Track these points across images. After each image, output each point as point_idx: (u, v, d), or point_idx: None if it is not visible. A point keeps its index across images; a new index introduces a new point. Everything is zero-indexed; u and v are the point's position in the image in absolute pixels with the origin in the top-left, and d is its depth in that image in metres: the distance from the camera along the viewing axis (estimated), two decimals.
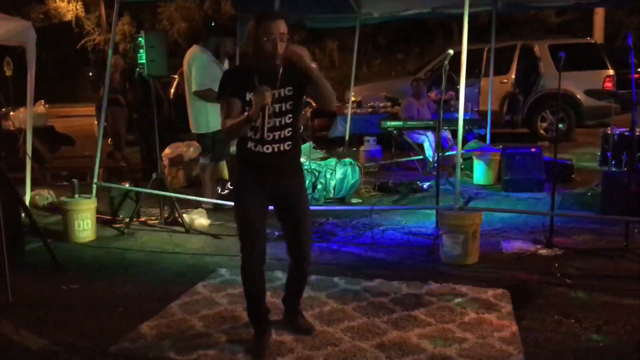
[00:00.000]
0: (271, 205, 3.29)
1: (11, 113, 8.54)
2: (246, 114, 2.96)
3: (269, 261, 4.58)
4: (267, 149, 3.13)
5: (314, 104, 11.92)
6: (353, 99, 10.74)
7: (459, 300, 3.88)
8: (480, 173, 7.64)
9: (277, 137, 3.13)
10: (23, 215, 5.03)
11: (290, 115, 3.14)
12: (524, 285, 4.15)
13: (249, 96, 3.03)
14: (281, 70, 3.08)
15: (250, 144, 3.15)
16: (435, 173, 5.75)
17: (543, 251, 4.84)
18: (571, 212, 6.06)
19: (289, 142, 3.17)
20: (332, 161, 6.98)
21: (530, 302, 3.86)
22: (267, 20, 2.99)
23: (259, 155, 3.15)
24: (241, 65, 3.29)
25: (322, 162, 6.98)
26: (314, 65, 2.96)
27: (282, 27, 2.99)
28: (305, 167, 6.62)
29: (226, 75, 3.25)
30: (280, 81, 3.08)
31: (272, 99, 2.96)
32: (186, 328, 3.58)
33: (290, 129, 3.16)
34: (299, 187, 3.30)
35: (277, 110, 3.08)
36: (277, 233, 5.34)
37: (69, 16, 31.84)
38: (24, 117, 7.40)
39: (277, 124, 3.10)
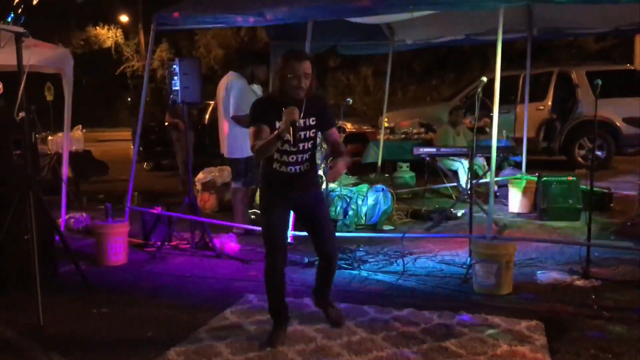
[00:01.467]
0: (295, 213, 3.92)
1: (49, 137, 8.74)
2: (276, 131, 3.31)
3: (298, 287, 4.61)
4: (290, 169, 3.57)
5: (347, 129, 11.95)
6: (386, 124, 10.71)
7: (491, 331, 3.78)
8: (516, 201, 7.51)
9: (298, 159, 3.57)
10: (57, 238, 5.09)
11: (312, 142, 3.58)
12: (558, 317, 4.03)
13: (278, 124, 3.37)
14: (305, 102, 3.48)
15: (275, 165, 3.58)
16: (469, 200, 5.67)
17: (579, 282, 4.70)
18: (609, 242, 5.90)
19: (308, 163, 3.62)
20: (364, 187, 6.94)
21: (565, 335, 3.74)
22: (293, 61, 3.40)
23: (283, 175, 3.59)
24: (270, 96, 3.62)
25: (354, 188, 6.94)
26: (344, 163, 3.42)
27: (306, 67, 3.41)
28: (337, 193, 6.60)
29: (257, 103, 3.63)
30: (304, 111, 3.48)
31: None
32: (213, 354, 3.55)
33: (310, 153, 3.61)
34: (318, 197, 3.75)
35: (302, 137, 3.48)
36: (307, 259, 5.32)
37: (109, 43, 32.72)
38: (61, 141, 7.55)
39: (300, 148, 3.53)
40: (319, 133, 3.64)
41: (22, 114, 4.29)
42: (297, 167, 3.58)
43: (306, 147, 3.56)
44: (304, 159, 3.58)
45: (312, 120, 3.54)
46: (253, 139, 3.45)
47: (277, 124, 3.37)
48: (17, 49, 4.29)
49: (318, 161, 6.61)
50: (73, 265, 4.91)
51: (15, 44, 4.28)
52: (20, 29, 4.23)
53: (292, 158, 3.54)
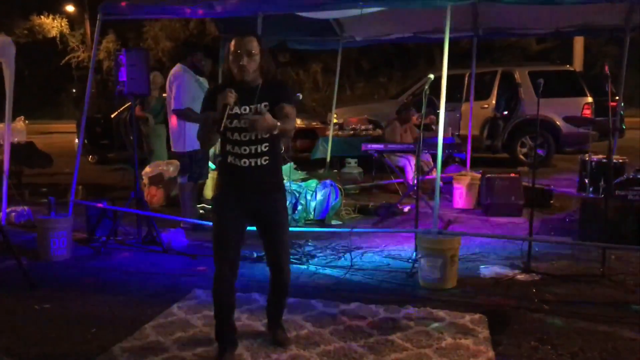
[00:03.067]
0: (251, 220, 3.38)
1: None
2: (212, 119, 3.12)
3: (246, 281, 4.59)
4: (245, 162, 3.24)
5: (297, 125, 11.93)
6: (335, 121, 10.77)
7: (436, 325, 3.86)
8: (460, 197, 7.67)
9: (253, 151, 3.24)
10: None
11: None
12: (501, 310, 4.15)
13: (232, 108, 3.16)
14: (259, 87, 3.26)
15: (230, 158, 3.28)
16: (415, 196, 5.76)
17: (521, 276, 4.84)
18: (549, 237, 6.09)
19: (266, 157, 3.26)
20: (313, 182, 6.98)
21: (507, 327, 3.85)
22: (236, 39, 3.21)
23: (237, 169, 3.26)
24: (222, 84, 3.40)
25: (303, 183, 6.97)
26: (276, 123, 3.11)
27: (249, 44, 3.18)
28: (286, 188, 6.60)
29: (208, 92, 3.42)
30: (257, 97, 3.24)
31: (248, 112, 3.19)
32: (160, 350, 3.52)
33: (267, 144, 3.26)
34: (279, 204, 3.39)
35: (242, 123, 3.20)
36: (255, 254, 5.31)
37: (54, 32, 31.78)
38: (1, 133, 7.32)
39: (254, 138, 3.22)
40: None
41: None
42: (252, 160, 3.23)
43: (260, 137, 3.21)
44: (259, 150, 3.23)
45: (265, 106, 3.22)
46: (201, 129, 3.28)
47: (231, 109, 3.16)
48: None
49: None
50: (14, 261, 4.77)
51: None
52: None
53: (245, 149, 3.22)
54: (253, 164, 3.25)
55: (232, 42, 3.22)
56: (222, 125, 3.07)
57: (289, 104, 3.27)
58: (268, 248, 3.43)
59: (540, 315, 4.05)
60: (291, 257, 5.25)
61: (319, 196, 6.74)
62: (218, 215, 3.33)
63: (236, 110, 3.21)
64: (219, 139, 3.31)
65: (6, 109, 6.46)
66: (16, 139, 8.52)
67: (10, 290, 4.61)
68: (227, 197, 3.32)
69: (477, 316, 3.99)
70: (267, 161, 3.27)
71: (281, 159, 3.44)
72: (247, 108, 3.21)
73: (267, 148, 3.26)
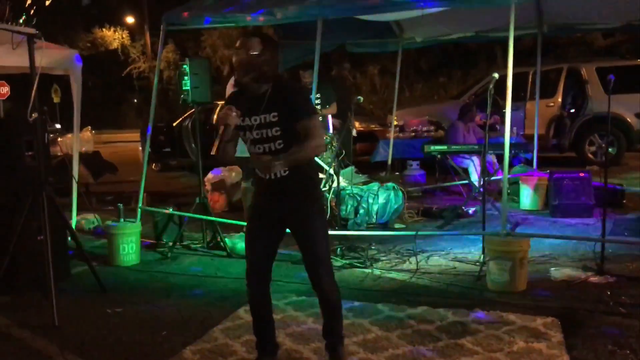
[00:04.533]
0: (285, 228, 3.21)
1: (59, 139, 8.77)
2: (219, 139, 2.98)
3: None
4: (266, 175, 3.06)
5: (356, 128, 11.93)
6: (395, 123, 10.69)
7: (506, 328, 3.76)
8: (527, 198, 7.48)
9: None
10: (69, 239, 5.10)
11: (280, 142, 3.02)
12: (574, 314, 4.00)
13: (242, 119, 3.05)
14: (267, 95, 3.02)
15: (255, 169, 3.14)
16: (480, 198, 5.64)
17: (594, 279, 4.67)
18: (623, 238, 5.85)
19: (285, 169, 3.01)
20: (375, 185, 6.92)
21: (582, 331, 3.71)
22: (241, 38, 3.03)
23: (262, 181, 3.12)
24: (234, 92, 3.25)
25: (364, 187, 6.91)
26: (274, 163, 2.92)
27: (249, 43, 2.96)
28: (347, 192, 6.57)
29: (227, 98, 3.34)
30: (264, 107, 3.02)
31: (258, 123, 3.01)
32: (228, 353, 3.55)
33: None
34: (303, 211, 3.10)
35: (263, 136, 3.04)
36: None
37: (115, 44, 32.75)
38: (71, 143, 7.57)
39: (267, 150, 3.05)
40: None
41: (35, 115, 4.31)
42: (272, 173, 3.02)
43: (273, 149, 3.02)
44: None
45: (273, 117, 2.99)
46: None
47: (243, 120, 3.04)
48: (29, 50, 4.31)
49: (328, 159, 6.63)
50: (86, 266, 4.91)
51: (27, 45, 4.30)
52: (33, 31, 4.24)
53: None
54: (273, 176, 3.04)
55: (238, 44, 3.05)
56: (215, 148, 2.95)
57: (307, 117, 2.98)
58: (304, 262, 3.16)
59: (616, 318, 3.89)
60: (355, 261, 5.28)
61: (381, 199, 6.68)
62: (247, 227, 3.28)
63: (247, 121, 3.05)
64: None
65: (74, 119, 6.67)
66: (84, 149, 8.79)
67: (83, 294, 4.76)
68: (257, 208, 3.22)
69: (549, 319, 3.86)
70: (286, 172, 3.02)
71: (307, 167, 3.14)
72: (257, 119, 3.02)
73: None
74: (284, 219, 3.15)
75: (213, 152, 2.96)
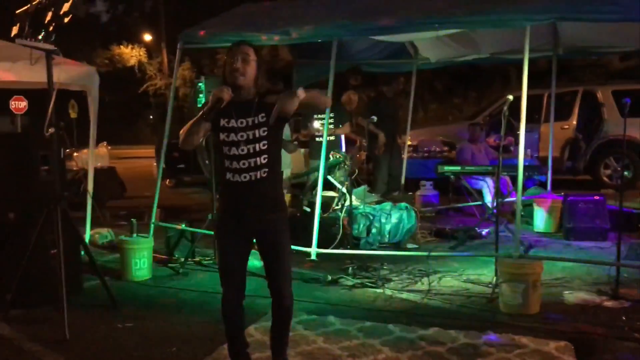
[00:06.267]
0: (252, 241, 3.30)
1: (75, 154, 8.85)
2: (204, 110, 3.09)
3: (321, 305, 4.58)
4: (244, 177, 3.11)
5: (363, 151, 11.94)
6: (409, 143, 10.68)
7: (519, 351, 3.72)
8: (541, 220, 7.43)
9: (252, 165, 3.12)
10: (82, 253, 5.13)
11: (265, 142, 3.12)
12: (588, 338, 3.95)
13: (222, 122, 3.14)
14: (256, 100, 3.15)
15: (228, 175, 3.16)
16: (494, 219, 5.61)
17: (609, 303, 4.61)
18: (639, 262, 5.78)
19: (265, 170, 3.13)
20: (387, 205, 6.89)
21: (596, 357, 3.67)
22: (232, 47, 3.19)
23: (236, 185, 3.14)
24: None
25: (377, 206, 6.89)
26: (299, 93, 3.04)
27: (245, 49, 3.15)
28: (360, 211, 6.56)
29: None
30: (254, 110, 3.13)
31: (245, 125, 3.10)
32: None
33: (265, 156, 3.13)
34: (278, 224, 3.21)
35: (250, 137, 3.11)
36: (330, 277, 5.30)
37: (133, 61, 33.15)
38: (87, 158, 7.64)
39: (252, 151, 3.11)
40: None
41: (51, 130, 4.35)
42: (251, 174, 3.11)
43: (258, 149, 3.11)
44: (258, 163, 3.11)
45: (262, 117, 3.11)
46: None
47: (222, 122, 3.13)
48: (47, 66, 4.37)
49: (340, 179, 6.63)
50: (98, 280, 4.93)
51: (45, 61, 4.36)
52: (52, 47, 4.30)
53: (244, 163, 3.10)
54: (253, 177, 3.11)
55: (229, 51, 3.19)
56: (208, 114, 3.07)
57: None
58: (268, 270, 3.28)
59: (631, 344, 3.84)
60: (367, 280, 5.26)
61: (394, 219, 6.65)
62: (220, 242, 3.33)
63: (233, 123, 3.13)
64: (215, 158, 3.24)
65: (90, 135, 6.74)
66: (99, 164, 8.86)
67: (95, 308, 4.77)
68: (227, 221, 3.23)
69: (562, 344, 3.82)
70: (266, 173, 3.13)
71: (280, 174, 3.29)
72: (244, 121, 3.12)
73: (265, 160, 3.13)
74: (254, 230, 3.22)
75: (204, 117, 3.07)
